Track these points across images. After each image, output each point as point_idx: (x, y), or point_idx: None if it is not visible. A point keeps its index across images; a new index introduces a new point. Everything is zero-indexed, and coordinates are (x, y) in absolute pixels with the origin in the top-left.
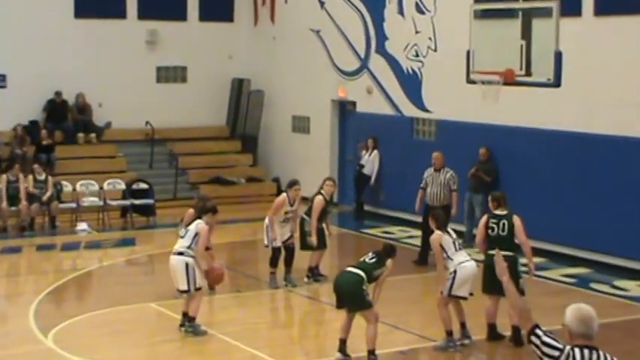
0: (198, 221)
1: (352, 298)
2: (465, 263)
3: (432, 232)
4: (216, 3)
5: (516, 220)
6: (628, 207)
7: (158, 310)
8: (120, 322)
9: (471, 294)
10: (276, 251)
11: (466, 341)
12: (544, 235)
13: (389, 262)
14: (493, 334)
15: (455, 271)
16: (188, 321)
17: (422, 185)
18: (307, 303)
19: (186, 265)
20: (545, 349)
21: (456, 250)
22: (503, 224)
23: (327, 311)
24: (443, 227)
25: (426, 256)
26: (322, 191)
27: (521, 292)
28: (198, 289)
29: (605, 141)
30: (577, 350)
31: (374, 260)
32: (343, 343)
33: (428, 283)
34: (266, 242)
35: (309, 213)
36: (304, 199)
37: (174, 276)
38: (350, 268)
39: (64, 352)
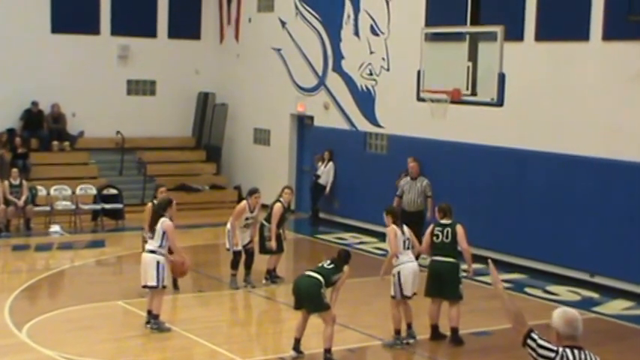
0: (162, 220)
1: (311, 300)
2: (407, 264)
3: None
4: (185, 21)
5: (459, 229)
6: (561, 217)
7: (125, 308)
8: (89, 318)
9: (415, 294)
10: (236, 255)
11: (411, 340)
12: (483, 243)
13: (346, 268)
14: (435, 335)
15: (398, 273)
16: (153, 318)
17: (398, 194)
18: (265, 303)
19: (158, 262)
20: (542, 352)
21: (404, 248)
22: (447, 232)
23: (284, 311)
24: (398, 223)
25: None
26: (281, 199)
27: (460, 297)
28: (163, 287)
29: (541, 157)
30: (568, 351)
31: (332, 267)
32: (298, 341)
33: (377, 286)
34: (228, 246)
35: (268, 219)
36: (264, 206)
37: (145, 272)
38: (309, 272)
39: (37, 346)
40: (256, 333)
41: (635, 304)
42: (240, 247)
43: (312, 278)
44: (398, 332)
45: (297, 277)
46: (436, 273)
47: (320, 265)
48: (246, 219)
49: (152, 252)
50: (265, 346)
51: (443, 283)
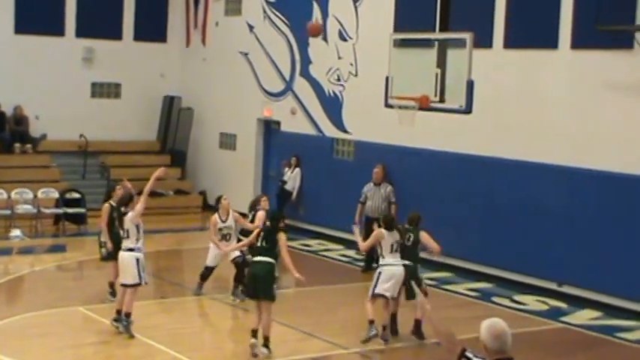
0: (129, 216)
1: (266, 285)
2: (391, 266)
3: None
4: (151, 24)
5: (422, 234)
6: (529, 226)
7: (85, 314)
8: (49, 324)
9: (393, 298)
10: (208, 269)
11: (383, 342)
12: (451, 252)
13: (281, 234)
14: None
15: (380, 273)
16: (126, 316)
17: (361, 200)
18: (229, 310)
19: (137, 260)
20: None
21: (391, 251)
22: (409, 237)
23: (248, 318)
24: (389, 228)
25: (372, 264)
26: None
27: (425, 293)
28: (146, 283)
29: (509, 165)
30: None
31: (268, 245)
32: (255, 332)
33: (343, 293)
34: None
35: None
36: (244, 216)
37: (124, 271)
38: (259, 258)
39: None
40: (219, 340)
41: (602, 314)
42: (212, 264)
43: (266, 263)
44: (371, 322)
45: (251, 265)
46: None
47: (259, 245)
48: (220, 229)
49: (130, 250)
50: (229, 353)
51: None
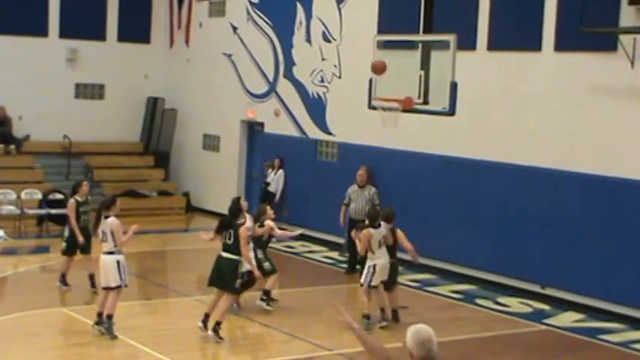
0: (109, 220)
1: (228, 280)
2: (381, 259)
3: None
4: (134, 25)
5: (399, 232)
6: (512, 228)
7: (69, 315)
8: (32, 325)
9: (382, 282)
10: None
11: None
12: (435, 254)
13: (243, 226)
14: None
15: (374, 266)
16: (108, 318)
17: (345, 202)
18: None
19: (118, 262)
20: None
21: (379, 247)
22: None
23: (232, 320)
24: (375, 225)
25: (355, 265)
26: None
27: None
28: (125, 286)
29: (493, 167)
30: None
31: (232, 240)
32: (207, 317)
33: (327, 295)
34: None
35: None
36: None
37: (106, 274)
38: (226, 254)
39: None
40: (203, 341)
41: (586, 317)
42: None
43: (231, 260)
44: (367, 317)
45: (216, 259)
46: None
47: (225, 242)
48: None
49: (110, 253)
50: (212, 354)
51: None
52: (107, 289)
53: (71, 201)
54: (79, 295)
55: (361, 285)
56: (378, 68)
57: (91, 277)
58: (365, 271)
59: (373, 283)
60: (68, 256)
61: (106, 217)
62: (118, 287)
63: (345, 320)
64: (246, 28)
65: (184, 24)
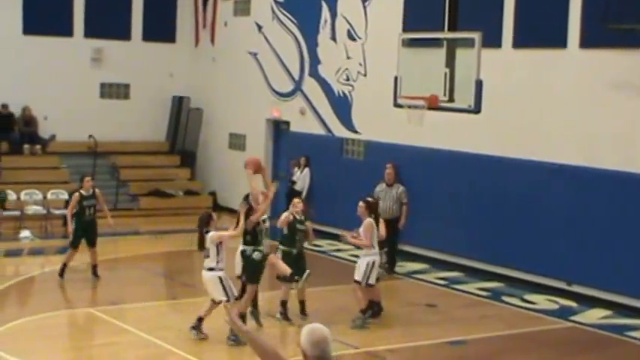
0: (209, 235)
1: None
2: (377, 256)
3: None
4: (159, 24)
5: (381, 224)
6: (538, 226)
7: (95, 315)
8: (59, 326)
9: (378, 279)
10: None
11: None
12: (461, 251)
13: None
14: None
15: (373, 262)
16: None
17: None
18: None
19: (220, 278)
20: None
21: (376, 240)
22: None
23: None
24: (374, 217)
25: (395, 261)
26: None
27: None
28: (236, 299)
29: (519, 164)
30: None
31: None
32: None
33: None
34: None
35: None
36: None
37: (210, 290)
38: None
39: (4, 354)
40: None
41: (612, 313)
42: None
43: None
44: (363, 312)
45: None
46: None
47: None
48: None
49: (211, 269)
50: (238, 353)
51: None
52: (214, 302)
53: (76, 194)
54: (106, 296)
55: (358, 282)
56: (251, 164)
57: (94, 267)
58: (363, 268)
59: (371, 282)
60: (73, 248)
61: (207, 232)
62: (225, 301)
63: (234, 322)
64: (272, 26)
65: (209, 23)
